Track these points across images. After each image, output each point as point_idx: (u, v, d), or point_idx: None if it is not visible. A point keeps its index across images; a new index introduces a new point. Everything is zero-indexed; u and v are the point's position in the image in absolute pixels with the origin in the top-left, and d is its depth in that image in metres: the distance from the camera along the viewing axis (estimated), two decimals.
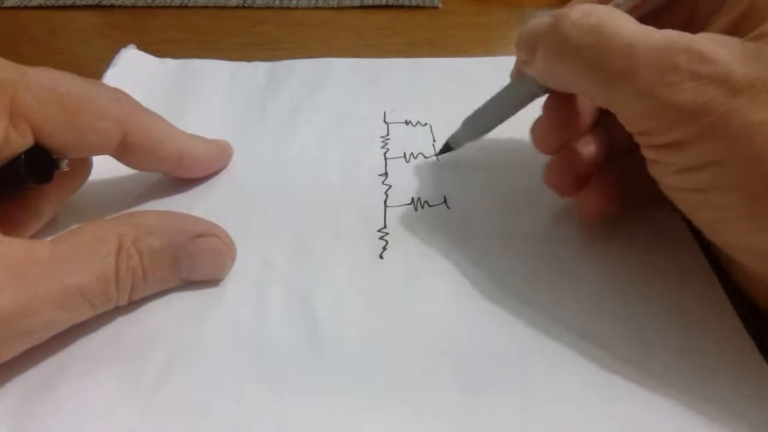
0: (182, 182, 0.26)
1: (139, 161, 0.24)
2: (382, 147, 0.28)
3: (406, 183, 0.26)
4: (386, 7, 0.44)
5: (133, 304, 0.20)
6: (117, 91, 0.22)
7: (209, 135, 0.26)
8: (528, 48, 0.20)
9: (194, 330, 0.20)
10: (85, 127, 0.21)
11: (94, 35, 0.41)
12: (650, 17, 0.19)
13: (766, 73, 0.15)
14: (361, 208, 0.25)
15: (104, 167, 0.25)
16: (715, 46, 0.16)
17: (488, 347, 0.19)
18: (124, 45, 0.34)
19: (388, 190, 0.26)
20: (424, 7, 0.44)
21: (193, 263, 0.20)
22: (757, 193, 0.16)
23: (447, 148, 0.26)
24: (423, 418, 0.17)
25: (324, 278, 0.22)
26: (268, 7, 0.44)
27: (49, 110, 0.20)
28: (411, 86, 0.33)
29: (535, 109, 0.23)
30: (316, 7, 0.44)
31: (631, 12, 0.19)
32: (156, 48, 0.35)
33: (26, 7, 0.43)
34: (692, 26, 0.19)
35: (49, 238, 0.18)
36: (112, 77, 0.31)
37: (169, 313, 0.20)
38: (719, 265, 0.22)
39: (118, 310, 0.20)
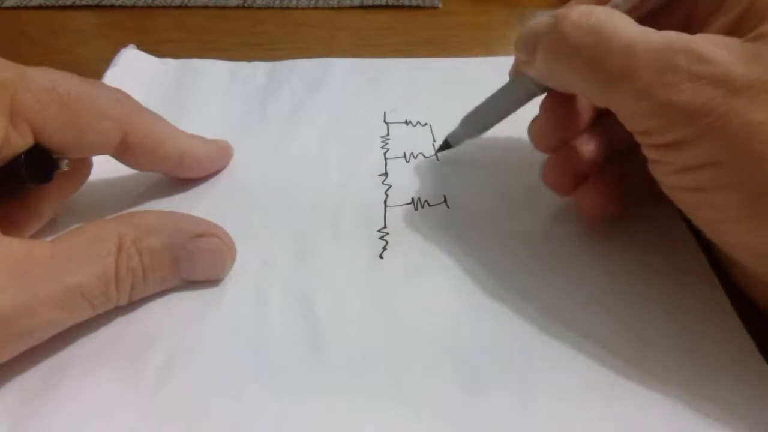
0: (182, 182, 0.26)
1: (139, 161, 0.24)
2: (382, 147, 0.28)
3: (406, 183, 0.26)
4: (386, 7, 0.44)
5: (133, 304, 0.20)
6: (117, 91, 0.22)
7: (209, 135, 0.26)
8: (527, 48, 0.20)
9: (194, 330, 0.20)
10: (85, 127, 0.21)
11: (94, 35, 0.41)
12: (649, 18, 0.19)
13: (765, 73, 0.15)
14: (361, 208, 0.25)
15: (104, 167, 0.25)
16: (713, 47, 0.16)
17: (489, 345, 0.19)
18: (124, 45, 0.34)
19: (388, 190, 0.26)
20: (424, 7, 0.44)
21: (193, 263, 0.20)
22: (757, 193, 0.16)
23: (446, 145, 0.26)
24: (423, 418, 0.17)
25: (324, 278, 0.22)
26: (268, 7, 0.44)
27: (49, 110, 0.20)
28: (411, 86, 0.33)
29: (535, 107, 0.23)
30: (316, 7, 0.44)
31: (629, 13, 0.19)
32: (156, 48, 0.35)
33: (26, 7, 0.43)
34: (691, 27, 0.19)
35: (49, 238, 0.18)
36: (112, 77, 0.31)
37: (169, 313, 0.20)
38: (719, 265, 0.22)
39: (118, 310, 0.20)
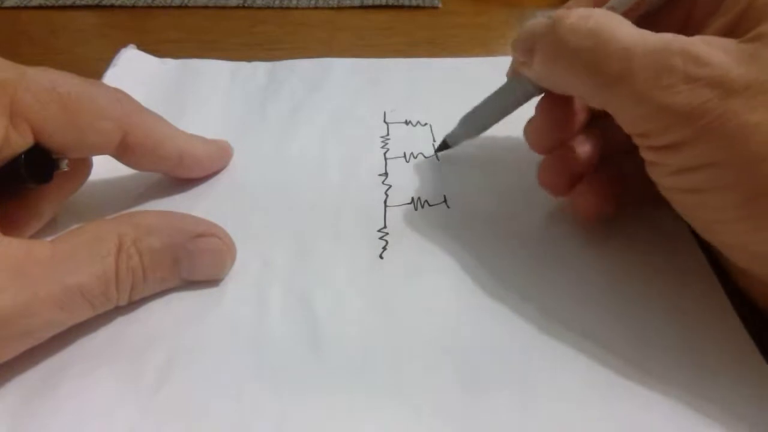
0: (182, 182, 0.26)
1: (139, 161, 0.24)
2: (382, 147, 0.28)
3: (406, 183, 0.26)
4: (386, 7, 0.44)
5: (133, 304, 0.20)
6: (117, 91, 0.22)
7: (209, 135, 0.26)
8: (525, 50, 0.20)
9: (194, 330, 0.20)
10: (85, 127, 0.21)
11: (94, 35, 0.41)
12: (647, 19, 0.19)
13: (761, 74, 0.15)
14: (361, 208, 0.25)
15: (104, 167, 0.25)
16: (710, 49, 0.16)
17: (489, 345, 0.19)
18: (124, 45, 0.34)
19: (388, 190, 0.26)
20: (424, 7, 0.44)
21: (193, 263, 0.20)
22: (754, 193, 0.16)
23: (445, 145, 0.27)
24: (423, 418, 0.17)
25: (324, 278, 0.22)
26: (268, 7, 0.44)
27: (49, 110, 0.20)
28: (411, 86, 0.33)
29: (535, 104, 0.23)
30: (316, 7, 0.44)
31: (626, 14, 0.19)
32: (156, 48, 0.35)
33: (26, 7, 0.43)
34: (689, 28, 0.19)
35: (49, 238, 0.18)
36: (112, 77, 0.31)
37: (169, 313, 0.20)
38: (719, 265, 0.22)
39: (118, 310, 0.20)
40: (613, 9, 0.19)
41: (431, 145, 0.28)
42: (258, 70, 0.34)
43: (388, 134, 0.29)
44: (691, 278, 0.21)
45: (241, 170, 0.27)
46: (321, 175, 0.26)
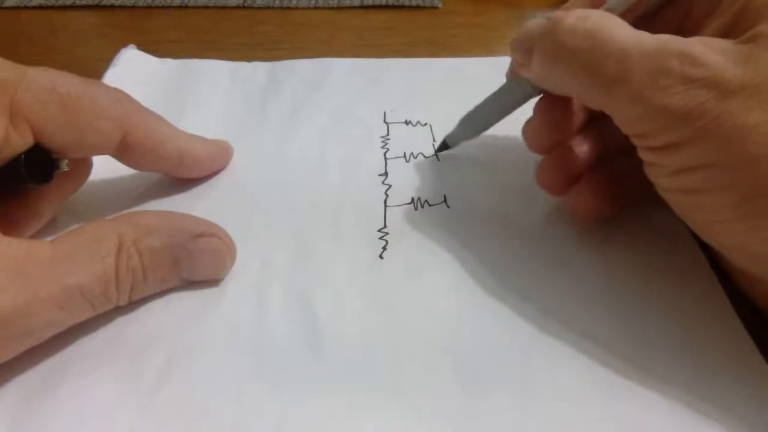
0: (182, 182, 0.26)
1: (139, 161, 0.24)
2: (382, 147, 0.28)
3: (406, 183, 0.26)
4: (386, 7, 0.44)
5: (133, 304, 0.20)
6: (117, 91, 0.22)
7: (209, 135, 0.26)
8: (523, 51, 0.20)
9: (194, 330, 0.20)
10: (85, 127, 0.21)
11: (94, 35, 0.41)
12: (644, 20, 0.19)
13: (758, 75, 0.15)
14: (361, 208, 0.25)
15: (104, 167, 0.25)
16: (706, 50, 0.16)
17: (489, 345, 0.19)
18: (124, 45, 0.34)
19: (388, 189, 0.26)
20: (424, 7, 0.44)
21: (193, 263, 0.20)
22: (751, 194, 0.16)
23: (444, 146, 0.27)
24: (423, 418, 0.17)
25: (324, 278, 0.22)
26: (268, 7, 0.44)
27: (49, 110, 0.20)
28: (411, 86, 0.33)
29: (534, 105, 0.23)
30: (316, 7, 0.44)
31: (624, 15, 0.19)
32: (156, 48, 0.35)
33: (26, 7, 0.43)
34: (686, 29, 0.19)
35: (49, 238, 0.18)
36: (112, 77, 0.31)
37: (169, 313, 0.20)
38: (719, 265, 0.22)
39: (118, 310, 0.20)
40: (610, 10, 0.19)
41: (431, 145, 0.28)
42: (258, 70, 0.34)
43: (388, 134, 0.29)
44: (691, 278, 0.21)
45: (241, 170, 0.27)
46: (321, 175, 0.26)
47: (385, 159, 0.28)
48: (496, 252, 0.23)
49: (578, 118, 0.23)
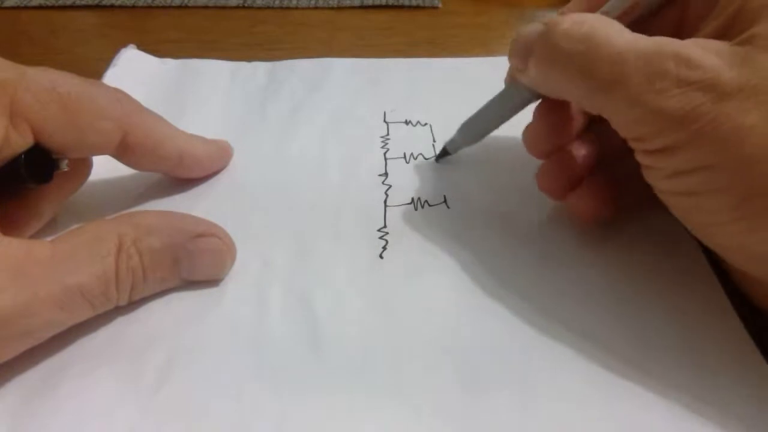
0: (182, 182, 0.26)
1: (139, 161, 0.24)
2: (382, 147, 0.28)
3: (406, 183, 0.26)
4: (386, 7, 0.44)
5: (133, 304, 0.20)
6: (117, 91, 0.22)
7: (209, 135, 0.26)
8: (520, 56, 0.20)
9: (194, 330, 0.20)
10: (85, 127, 0.21)
11: (94, 35, 0.41)
12: (640, 23, 0.19)
13: (754, 77, 0.15)
14: (361, 208, 0.25)
15: (104, 167, 0.25)
16: (702, 52, 0.16)
17: (489, 345, 0.19)
18: (124, 45, 0.34)
19: (388, 190, 0.26)
20: (424, 7, 0.44)
21: (193, 263, 0.20)
22: (748, 195, 0.16)
23: (445, 152, 0.27)
24: (423, 418, 0.17)
25: (324, 278, 0.22)
26: (268, 7, 0.44)
27: (49, 110, 0.20)
28: (411, 86, 0.33)
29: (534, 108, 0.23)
30: (316, 7, 0.44)
31: (620, 18, 0.19)
32: (156, 48, 0.35)
33: (26, 7, 0.43)
34: (683, 31, 0.19)
35: (49, 238, 0.18)
36: (112, 77, 0.31)
37: (169, 313, 0.20)
38: (719, 265, 0.22)
39: (118, 310, 0.20)
40: (607, 13, 0.19)
41: (431, 146, 0.28)
42: (258, 70, 0.34)
43: (388, 134, 0.29)
44: (691, 278, 0.21)
45: (241, 170, 0.27)
46: (321, 175, 0.26)
47: (385, 159, 0.28)
48: (496, 252, 0.23)
49: (577, 122, 0.23)
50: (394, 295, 0.21)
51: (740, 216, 0.16)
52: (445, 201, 0.25)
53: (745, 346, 0.19)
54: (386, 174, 0.27)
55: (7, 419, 0.17)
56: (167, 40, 0.39)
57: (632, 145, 0.18)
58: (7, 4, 0.43)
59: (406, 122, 0.30)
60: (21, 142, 0.19)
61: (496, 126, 0.25)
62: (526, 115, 0.23)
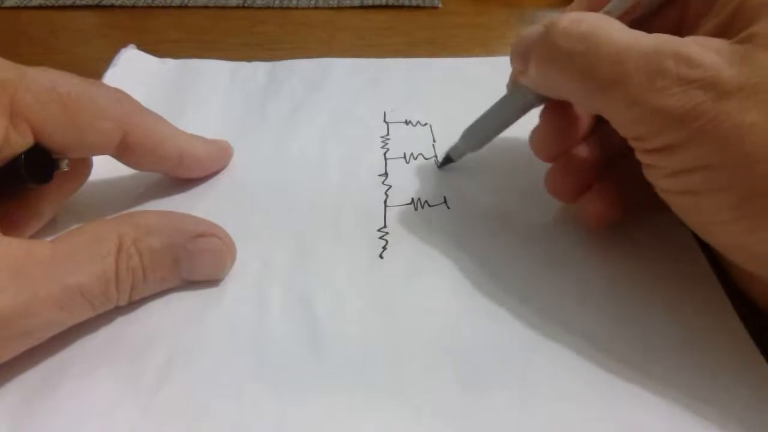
0: (182, 182, 0.26)
1: (139, 161, 0.24)
2: (382, 147, 0.28)
3: (406, 183, 0.26)
4: (386, 7, 0.44)
5: (133, 304, 0.20)
6: (117, 91, 0.22)
7: (209, 135, 0.26)
8: (521, 57, 0.20)
9: (194, 330, 0.20)
10: (85, 127, 0.21)
11: (94, 35, 0.41)
12: (642, 22, 0.19)
13: (754, 75, 0.15)
14: (361, 208, 0.25)
15: (104, 167, 0.25)
16: (702, 50, 0.16)
17: (489, 345, 0.19)
18: (124, 45, 0.34)
19: (388, 190, 0.26)
20: (424, 7, 0.44)
21: (193, 263, 0.20)
22: (749, 194, 0.16)
23: (448, 160, 0.26)
24: (423, 418, 0.17)
25: (324, 278, 0.22)
26: (268, 7, 0.44)
27: (49, 110, 0.20)
28: (411, 86, 0.33)
29: (535, 111, 0.23)
30: (316, 7, 0.44)
31: (621, 18, 0.19)
32: (156, 48, 0.35)
33: (26, 7, 0.43)
34: (683, 30, 0.19)
35: (49, 238, 0.18)
36: (112, 77, 0.31)
37: (169, 313, 0.20)
38: (719, 265, 0.22)
39: (118, 310, 0.20)
40: (609, 13, 0.19)
41: (431, 146, 0.28)
42: (258, 70, 0.34)
43: (388, 134, 0.29)
44: (692, 278, 0.21)
45: (241, 170, 0.27)
46: (321, 175, 0.26)
47: (385, 159, 0.28)
48: (496, 253, 0.23)
49: (584, 123, 0.23)
50: (394, 295, 0.21)
51: (741, 215, 0.16)
52: (445, 201, 0.25)
53: (745, 346, 0.19)
54: (386, 174, 0.27)
55: (7, 419, 0.17)
56: (167, 40, 0.39)
57: (632, 144, 0.18)
58: (7, 4, 0.43)
59: (406, 122, 0.30)
60: (21, 142, 0.19)
61: (499, 131, 0.24)
62: (528, 116, 0.23)
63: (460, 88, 0.32)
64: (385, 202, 0.25)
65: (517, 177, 0.26)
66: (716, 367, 0.18)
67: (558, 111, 0.22)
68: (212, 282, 0.21)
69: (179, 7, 0.44)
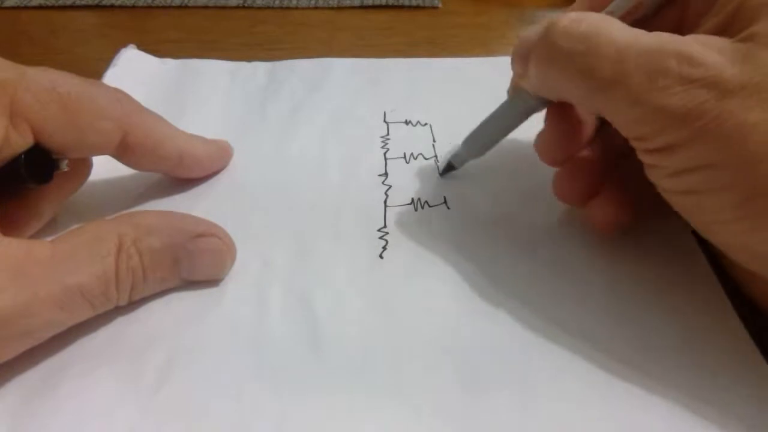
0: (182, 182, 0.26)
1: (139, 161, 0.24)
2: (382, 147, 0.28)
3: (406, 183, 0.26)
4: (386, 7, 0.44)
5: (133, 304, 0.20)
6: (117, 91, 0.22)
7: (209, 135, 0.26)
8: (521, 59, 0.20)
9: (194, 330, 0.20)
10: (85, 127, 0.21)
11: (94, 35, 0.41)
12: (643, 22, 0.19)
13: (757, 74, 0.15)
14: (361, 208, 0.25)
15: (104, 167, 0.25)
16: (704, 49, 0.16)
17: (489, 345, 0.19)
18: (124, 45, 0.34)
19: (388, 190, 0.26)
20: (424, 7, 0.44)
21: (193, 263, 0.20)
22: (751, 194, 0.16)
23: (450, 167, 0.26)
24: (423, 418, 0.17)
25: (324, 278, 0.22)
26: (268, 7, 0.44)
27: (49, 110, 0.20)
28: (411, 86, 0.33)
29: (537, 115, 0.23)
30: (316, 7, 0.44)
31: (624, 18, 0.19)
32: (156, 48, 0.35)
33: (26, 7, 0.43)
34: (683, 29, 0.19)
35: (49, 238, 0.18)
36: (112, 77, 0.31)
37: (169, 313, 0.20)
38: (719, 265, 0.22)
39: (118, 310, 0.20)
40: (611, 13, 0.19)
41: (431, 146, 0.28)
42: (258, 70, 0.34)
43: (388, 134, 0.29)
44: (692, 278, 0.21)
45: (241, 170, 0.27)
46: (321, 175, 0.26)
47: (385, 159, 0.28)
48: (495, 253, 0.23)
49: (588, 127, 0.22)
50: (394, 295, 0.21)
51: (743, 215, 0.16)
52: (445, 201, 0.25)
53: (745, 346, 0.19)
54: (386, 174, 0.27)
55: (7, 419, 0.17)
56: (167, 40, 0.39)
57: (634, 144, 0.18)
58: (7, 4, 0.43)
59: (406, 122, 0.30)
60: (21, 142, 0.19)
61: (501, 137, 0.24)
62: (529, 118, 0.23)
63: (460, 88, 0.32)
64: (385, 202, 0.25)
65: (516, 178, 0.26)
66: (716, 367, 0.18)
67: (561, 114, 0.22)
68: (212, 282, 0.21)
69: (179, 7, 0.44)
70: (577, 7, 0.22)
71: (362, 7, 0.44)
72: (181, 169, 0.25)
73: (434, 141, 0.29)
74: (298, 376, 0.18)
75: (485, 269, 0.22)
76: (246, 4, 0.44)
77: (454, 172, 0.26)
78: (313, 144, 0.28)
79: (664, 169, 0.18)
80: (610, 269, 0.22)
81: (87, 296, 0.18)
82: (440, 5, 0.44)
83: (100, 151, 0.22)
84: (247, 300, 0.21)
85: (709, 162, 0.16)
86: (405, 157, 0.28)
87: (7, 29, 0.41)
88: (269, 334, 0.20)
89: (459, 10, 0.44)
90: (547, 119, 0.22)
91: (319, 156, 0.28)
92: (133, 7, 0.43)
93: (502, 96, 0.25)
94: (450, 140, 0.28)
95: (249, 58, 0.35)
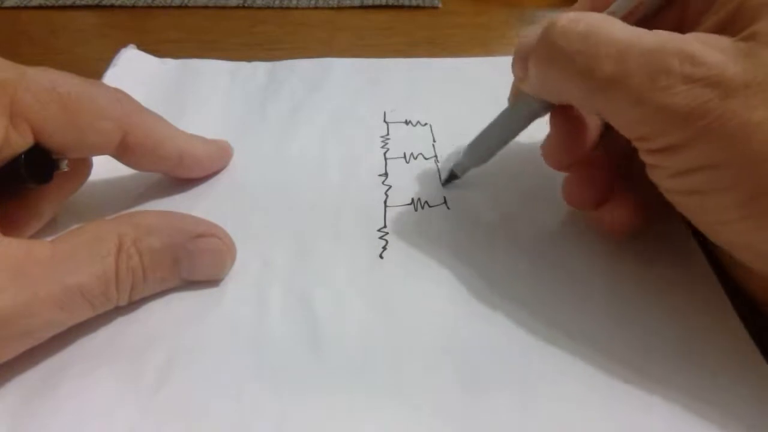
0: (182, 182, 0.26)
1: (139, 161, 0.24)
2: (382, 147, 0.28)
3: (406, 183, 0.26)
4: (386, 7, 0.44)
5: (133, 304, 0.20)
6: (117, 91, 0.22)
7: (209, 135, 0.26)
8: (521, 61, 0.20)
9: (194, 330, 0.20)
10: (85, 127, 0.21)
11: (94, 35, 0.41)
12: (643, 21, 0.19)
13: (760, 73, 0.15)
14: (361, 208, 0.25)
15: (104, 167, 0.25)
16: (705, 48, 0.16)
17: (489, 345, 0.19)
18: (124, 45, 0.34)
19: (388, 190, 0.26)
20: (424, 7, 0.44)
21: (193, 263, 0.20)
22: (755, 192, 0.16)
23: (452, 176, 0.26)
24: (423, 418, 0.17)
25: (324, 278, 0.22)
26: (268, 7, 0.44)
27: (49, 110, 0.20)
28: (411, 86, 0.33)
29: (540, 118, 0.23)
30: (316, 7, 0.44)
31: (626, 18, 0.19)
32: (156, 48, 0.35)
33: (26, 7, 0.43)
34: (683, 28, 0.19)
35: (49, 238, 0.18)
36: (112, 77, 0.31)
37: (169, 313, 0.20)
38: (719, 265, 0.22)
39: (118, 310, 0.20)
40: (612, 14, 0.19)
41: (431, 146, 0.28)
42: (258, 70, 0.34)
43: (388, 134, 0.29)
44: (692, 278, 0.21)
45: (241, 170, 0.27)
46: (321, 175, 0.26)
47: (385, 159, 0.28)
48: (495, 254, 0.23)
49: (593, 130, 0.22)
50: (394, 295, 0.21)
51: (747, 214, 0.16)
52: (445, 202, 0.25)
53: (745, 346, 0.19)
54: (386, 174, 0.27)
55: (7, 419, 0.17)
56: (167, 40, 0.39)
57: (636, 144, 0.18)
58: (7, 4, 0.43)
59: (406, 122, 0.30)
60: (21, 142, 0.19)
61: (503, 145, 0.24)
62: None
63: (460, 88, 0.32)
64: (385, 202, 0.25)
65: (516, 179, 0.26)
66: (716, 367, 0.18)
67: (565, 118, 0.22)
68: (212, 282, 0.21)
69: (179, 7, 0.44)
70: (578, 8, 0.22)
71: (362, 7, 0.44)
72: (181, 169, 0.25)
73: (434, 141, 0.29)
74: (298, 376, 0.18)
75: (485, 270, 0.22)
76: (246, 4, 0.44)
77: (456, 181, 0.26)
78: (313, 144, 0.28)
79: (666, 169, 0.18)
80: (609, 269, 0.22)
81: (87, 296, 0.18)
82: (440, 5, 0.44)
83: (100, 151, 0.22)
84: (247, 300, 0.21)
85: (713, 162, 0.16)
86: (405, 157, 0.28)
87: (7, 29, 0.41)
88: (269, 334, 0.20)
89: (459, 10, 0.44)
90: (551, 122, 0.22)
91: (319, 156, 0.28)
92: (133, 7, 0.43)
93: (502, 96, 0.25)
94: (450, 140, 0.28)
95: (249, 58, 0.35)
